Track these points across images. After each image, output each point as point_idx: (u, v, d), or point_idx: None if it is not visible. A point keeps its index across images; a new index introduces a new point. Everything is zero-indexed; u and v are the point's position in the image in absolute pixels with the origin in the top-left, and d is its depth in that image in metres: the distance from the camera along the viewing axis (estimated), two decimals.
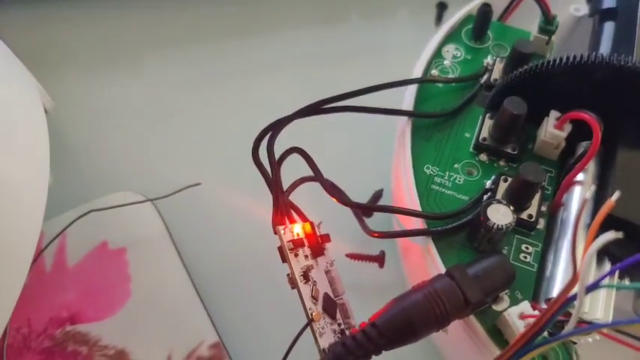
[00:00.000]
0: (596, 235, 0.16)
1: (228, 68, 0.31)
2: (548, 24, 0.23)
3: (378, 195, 0.25)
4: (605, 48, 0.23)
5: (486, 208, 0.18)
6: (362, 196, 0.26)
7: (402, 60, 0.25)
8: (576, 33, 0.27)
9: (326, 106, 0.20)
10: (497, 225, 0.17)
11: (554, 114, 0.20)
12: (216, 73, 0.31)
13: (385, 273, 0.23)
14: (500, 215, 0.17)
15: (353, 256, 0.24)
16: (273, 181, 0.20)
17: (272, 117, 0.20)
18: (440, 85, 0.23)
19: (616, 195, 0.13)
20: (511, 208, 0.18)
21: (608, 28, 0.24)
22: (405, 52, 0.26)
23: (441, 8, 0.31)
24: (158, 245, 0.23)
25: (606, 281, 0.15)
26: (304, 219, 0.21)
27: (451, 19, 0.24)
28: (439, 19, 0.31)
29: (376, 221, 0.23)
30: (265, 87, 0.30)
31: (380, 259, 0.24)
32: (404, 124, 0.21)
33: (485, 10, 0.22)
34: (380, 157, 0.25)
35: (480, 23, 0.23)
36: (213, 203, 0.24)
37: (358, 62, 0.31)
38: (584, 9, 0.26)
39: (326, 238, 0.20)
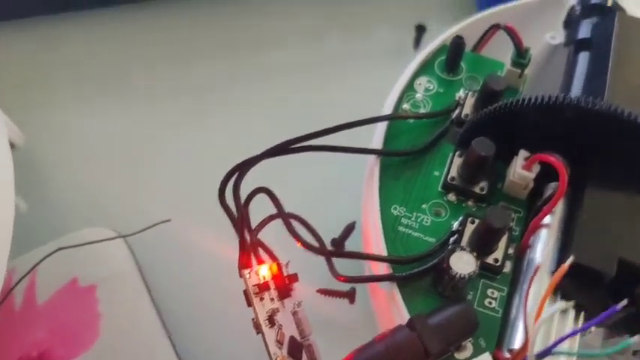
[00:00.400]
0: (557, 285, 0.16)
1: (202, 103, 0.31)
2: (520, 57, 0.22)
3: (350, 228, 0.25)
4: (577, 82, 0.23)
5: (449, 255, 0.17)
6: (336, 229, 0.26)
7: (381, 82, 0.25)
8: (552, 61, 0.26)
9: (294, 146, 0.20)
10: (460, 274, 0.17)
11: (522, 154, 0.20)
12: (190, 109, 0.31)
13: (356, 309, 0.23)
14: (463, 263, 0.17)
15: (324, 292, 0.23)
16: (239, 224, 0.20)
17: (246, 151, 0.20)
18: (411, 120, 0.22)
19: (570, 260, 0.13)
20: (475, 255, 0.17)
21: (583, 58, 0.24)
22: (384, 74, 0.26)
23: (420, 31, 0.30)
24: (129, 282, 0.23)
25: (565, 345, 0.15)
26: (273, 258, 0.21)
27: (424, 50, 0.24)
28: (417, 43, 0.30)
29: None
30: (239, 121, 0.30)
31: (351, 295, 0.23)
32: (372, 162, 0.21)
33: (457, 43, 0.22)
34: (354, 188, 0.25)
35: (453, 56, 0.23)
36: (183, 240, 0.24)
37: (335, 87, 0.31)
38: (560, 37, 0.26)
39: (294, 278, 0.20)
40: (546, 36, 0.26)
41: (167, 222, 0.23)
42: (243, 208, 0.21)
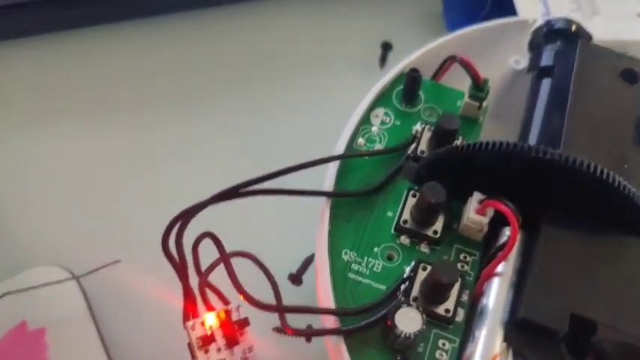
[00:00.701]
0: None
1: (158, 140, 0.30)
2: (478, 90, 0.21)
3: (308, 261, 0.24)
4: (538, 114, 0.22)
5: (394, 312, 0.17)
6: (294, 262, 0.25)
7: (343, 100, 0.25)
8: (516, 86, 0.26)
9: (242, 191, 0.20)
10: (405, 333, 0.16)
11: (476, 196, 0.19)
12: (145, 146, 0.30)
13: (312, 347, 0.23)
14: (408, 321, 0.17)
15: (279, 331, 0.23)
16: (181, 274, 0.19)
17: (203, 189, 0.19)
18: None
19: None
20: (422, 310, 0.17)
21: (545, 88, 0.23)
22: (348, 91, 0.25)
23: (386, 49, 0.29)
24: (79, 325, 0.23)
25: None
26: (225, 301, 0.20)
27: (382, 79, 0.23)
28: (383, 61, 0.29)
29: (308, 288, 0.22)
30: (195, 160, 0.29)
31: (307, 334, 0.23)
32: (323, 204, 0.20)
33: (412, 77, 0.21)
34: (311, 222, 0.25)
35: (409, 89, 0.22)
36: (136, 282, 0.23)
37: (295, 105, 0.30)
38: (524, 61, 0.25)
39: (244, 322, 0.20)
40: (510, 60, 0.25)
41: (118, 262, 0.23)
42: (192, 251, 0.20)
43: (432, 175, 0.20)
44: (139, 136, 0.30)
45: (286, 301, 0.22)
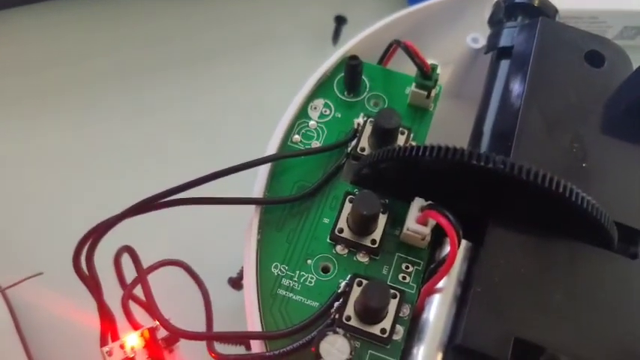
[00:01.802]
0: None
1: (82, 141, 0.28)
2: (425, 78, 0.19)
3: None
4: (494, 101, 0.20)
5: (319, 340, 0.15)
6: (233, 268, 0.23)
7: (292, 77, 0.22)
8: (475, 65, 0.23)
9: (159, 202, 0.18)
10: None
11: (417, 203, 0.17)
12: (70, 149, 0.27)
13: None
14: (335, 350, 0.15)
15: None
16: (95, 294, 0.18)
17: (132, 194, 0.18)
18: None
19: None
20: (348, 336, 0.15)
21: (503, 70, 0.21)
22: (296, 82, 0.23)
23: (339, 23, 0.27)
24: (3, 338, 0.21)
25: None
26: (156, 315, 0.19)
27: (323, 65, 0.21)
28: (336, 36, 0.27)
29: None
30: (122, 167, 0.27)
31: (247, 343, 0.22)
32: (253, 212, 0.18)
33: (352, 66, 0.19)
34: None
35: (350, 79, 0.20)
36: (57, 295, 0.22)
37: (242, 80, 0.28)
38: (482, 39, 0.23)
39: (172, 340, 0.18)
40: (468, 38, 0.23)
41: (40, 275, 0.21)
42: (114, 265, 0.19)
43: (371, 178, 0.18)
44: (63, 137, 0.27)
45: (227, 305, 0.21)
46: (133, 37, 0.29)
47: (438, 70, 0.19)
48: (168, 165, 0.26)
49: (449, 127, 0.23)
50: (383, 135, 0.18)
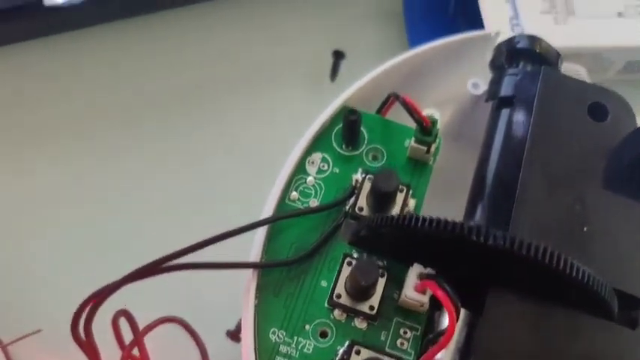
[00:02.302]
0: None
1: (77, 183, 0.27)
2: (425, 134, 0.19)
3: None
4: (494, 155, 0.20)
5: None
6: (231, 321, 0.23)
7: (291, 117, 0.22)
8: (476, 108, 0.23)
9: (159, 267, 0.17)
10: None
11: (415, 269, 0.17)
12: (66, 192, 0.27)
13: None
14: None
15: None
16: None
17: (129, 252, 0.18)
18: None
19: None
20: None
21: (503, 121, 0.20)
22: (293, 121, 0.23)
23: (337, 58, 0.26)
24: None
25: None
26: None
27: (320, 117, 0.20)
28: (334, 72, 0.26)
29: None
30: (125, 209, 0.27)
31: None
32: (249, 276, 0.18)
33: (350, 121, 0.19)
34: None
35: (348, 133, 0.19)
36: (58, 353, 0.21)
37: (239, 120, 0.27)
38: (483, 84, 0.22)
39: None
40: (468, 83, 0.22)
41: (39, 332, 0.21)
42: (112, 327, 0.19)
43: (369, 240, 0.18)
44: (65, 192, 0.27)
45: (227, 357, 0.21)
46: (111, 80, 0.28)
47: (438, 125, 0.19)
48: (167, 216, 0.25)
49: (449, 169, 0.23)
50: (381, 197, 0.18)
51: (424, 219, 0.16)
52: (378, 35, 0.28)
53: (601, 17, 0.26)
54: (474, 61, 0.23)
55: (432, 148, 0.19)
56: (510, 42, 0.21)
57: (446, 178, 0.23)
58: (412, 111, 0.18)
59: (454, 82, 0.24)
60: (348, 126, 0.19)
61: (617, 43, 0.25)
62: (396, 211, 0.19)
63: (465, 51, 0.23)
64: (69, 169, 0.27)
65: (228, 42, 0.28)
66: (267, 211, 0.19)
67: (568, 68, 0.25)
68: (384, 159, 0.20)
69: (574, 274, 0.15)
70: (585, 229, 0.17)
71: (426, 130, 0.19)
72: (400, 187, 0.19)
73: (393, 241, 0.18)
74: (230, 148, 0.26)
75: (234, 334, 0.22)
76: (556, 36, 0.25)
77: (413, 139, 0.19)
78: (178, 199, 0.26)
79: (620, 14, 0.26)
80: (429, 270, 0.17)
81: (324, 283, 0.18)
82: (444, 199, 0.25)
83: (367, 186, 0.19)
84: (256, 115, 0.27)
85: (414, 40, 0.27)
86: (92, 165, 0.27)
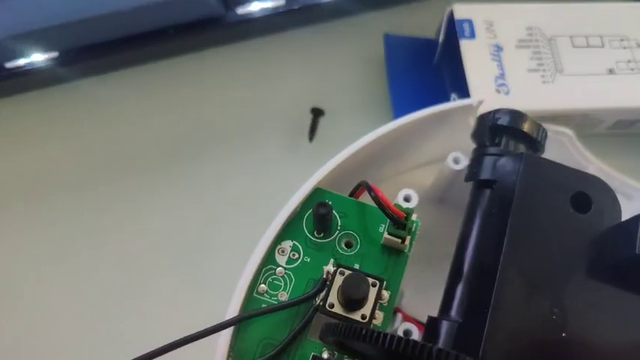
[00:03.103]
0: None
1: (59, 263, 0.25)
2: (399, 227, 0.18)
3: None
4: (472, 244, 0.19)
5: None
6: None
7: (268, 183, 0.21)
8: (456, 184, 0.22)
9: None
10: None
11: None
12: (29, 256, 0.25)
13: None
14: None
15: None
16: None
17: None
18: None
19: None
20: None
21: (483, 205, 0.19)
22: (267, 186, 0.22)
23: (316, 115, 0.25)
24: None
25: None
26: None
27: (290, 202, 0.19)
28: (313, 130, 0.25)
29: None
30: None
31: None
32: None
33: (320, 215, 0.18)
34: None
35: (320, 224, 0.18)
36: None
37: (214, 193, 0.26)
38: (464, 159, 0.21)
39: None
40: (449, 158, 0.21)
41: None
42: None
43: (339, 345, 0.17)
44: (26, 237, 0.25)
45: None
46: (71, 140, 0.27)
47: (414, 217, 0.18)
48: (131, 314, 0.24)
49: (432, 231, 0.22)
50: (351, 301, 0.17)
51: (392, 338, 0.15)
52: (359, 89, 0.27)
53: (591, 75, 0.25)
54: (457, 128, 0.22)
55: (407, 241, 0.18)
56: (492, 117, 0.20)
57: (428, 241, 0.23)
58: (383, 206, 0.17)
59: (436, 146, 0.23)
60: (318, 218, 0.18)
61: (607, 105, 0.24)
62: (368, 307, 0.18)
63: (448, 120, 0.22)
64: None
65: (202, 98, 0.27)
66: (234, 306, 0.18)
67: (555, 131, 0.24)
68: (358, 246, 0.19)
69: None
70: (563, 334, 0.17)
71: (400, 224, 0.18)
72: (372, 282, 0.18)
73: (361, 348, 0.17)
74: (201, 208, 0.25)
75: None
76: (543, 97, 0.24)
77: (386, 232, 0.18)
78: (143, 281, 0.25)
79: (611, 71, 0.25)
80: None
81: None
82: (425, 264, 0.24)
83: (339, 279, 0.18)
84: (228, 177, 0.25)
85: (396, 92, 0.26)
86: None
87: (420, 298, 0.24)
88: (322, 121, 0.25)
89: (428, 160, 0.24)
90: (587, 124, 0.25)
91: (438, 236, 0.22)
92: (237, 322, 0.17)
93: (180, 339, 0.17)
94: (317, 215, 0.18)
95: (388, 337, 0.15)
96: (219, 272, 0.21)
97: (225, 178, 0.25)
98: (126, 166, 0.26)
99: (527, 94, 0.24)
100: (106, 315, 0.24)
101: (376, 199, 0.17)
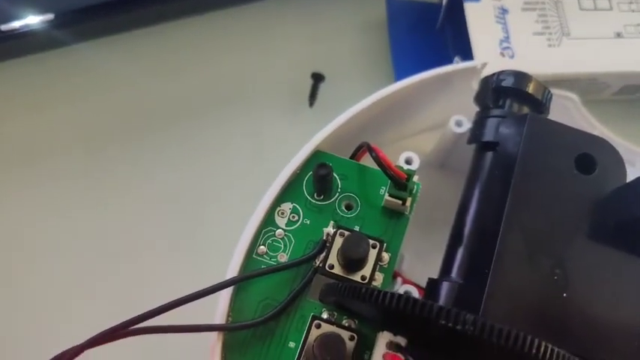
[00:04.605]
0: None
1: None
2: (400, 188, 0.18)
3: None
4: (474, 206, 0.18)
5: None
6: None
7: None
8: (458, 149, 0.22)
9: (121, 332, 0.17)
10: None
11: (385, 337, 0.16)
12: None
13: None
14: None
15: None
16: None
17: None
18: None
19: None
20: None
21: (485, 167, 0.19)
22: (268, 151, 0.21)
23: (317, 80, 0.25)
24: None
25: None
26: None
27: (290, 164, 0.19)
28: (313, 96, 0.25)
29: None
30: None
31: None
32: (214, 339, 0.17)
33: (321, 175, 0.17)
34: None
35: (320, 186, 0.18)
36: None
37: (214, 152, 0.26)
38: (467, 122, 0.21)
39: None
40: (451, 121, 0.21)
41: None
42: None
43: (339, 304, 0.17)
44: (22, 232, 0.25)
45: None
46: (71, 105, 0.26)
47: (415, 178, 0.18)
48: (133, 276, 0.24)
49: (434, 195, 0.22)
50: (350, 261, 0.17)
51: (392, 296, 0.15)
52: (361, 54, 0.26)
53: (598, 38, 0.24)
54: (460, 92, 0.22)
55: (408, 202, 0.18)
56: (496, 78, 0.20)
57: (429, 206, 0.22)
58: (385, 167, 0.17)
59: (439, 110, 0.23)
60: (318, 180, 0.18)
61: (614, 69, 0.23)
62: (368, 268, 0.18)
63: (450, 83, 0.22)
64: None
65: (202, 62, 0.26)
66: (234, 267, 0.18)
67: (560, 96, 0.24)
68: (359, 208, 0.19)
69: (547, 356, 0.14)
70: (565, 295, 0.17)
71: (401, 184, 0.18)
72: (373, 243, 0.18)
73: (361, 308, 0.17)
74: (201, 182, 0.25)
75: None
76: (549, 61, 0.24)
77: (387, 193, 0.18)
78: (145, 255, 0.25)
79: (618, 35, 0.24)
80: (398, 339, 0.16)
81: (292, 344, 0.17)
82: (426, 229, 0.24)
83: (339, 241, 0.18)
84: (229, 143, 0.25)
85: (399, 59, 0.26)
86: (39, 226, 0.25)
87: (420, 264, 0.24)
88: (323, 87, 0.25)
89: (430, 125, 0.24)
90: (592, 90, 0.25)
91: (439, 202, 0.22)
92: (237, 282, 0.17)
93: (181, 298, 0.17)
94: (317, 176, 0.18)
95: (389, 295, 0.15)
96: (218, 235, 0.21)
97: (226, 142, 0.25)
98: (126, 130, 0.26)
99: (533, 58, 0.23)
100: (105, 275, 0.24)
101: (377, 159, 0.17)
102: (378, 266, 0.18)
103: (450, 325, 0.14)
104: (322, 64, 0.25)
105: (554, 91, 0.23)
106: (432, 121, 0.24)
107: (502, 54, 0.23)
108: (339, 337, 0.16)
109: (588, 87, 0.24)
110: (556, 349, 0.14)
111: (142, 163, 0.25)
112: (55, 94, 0.27)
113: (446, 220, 0.21)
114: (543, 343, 0.14)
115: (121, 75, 0.27)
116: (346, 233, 0.18)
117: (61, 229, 0.25)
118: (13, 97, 0.27)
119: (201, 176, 0.25)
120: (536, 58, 0.23)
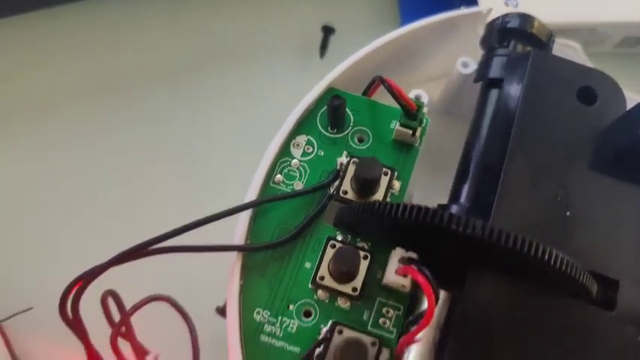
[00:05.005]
0: None
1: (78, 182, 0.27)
2: (410, 119, 0.19)
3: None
4: (481, 138, 0.19)
5: None
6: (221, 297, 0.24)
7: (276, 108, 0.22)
8: (466, 88, 0.23)
9: (144, 250, 0.18)
10: None
11: (398, 253, 0.17)
12: (59, 187, 0.27)
13: None
14: None
15: None
16: (84, 341, 0.18)
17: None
18: None
19: None
20: None
21: (492, 102, 0.20)
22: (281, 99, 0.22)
23: (327, 33, 0.26)
24: None
25: None
26: (143, 351, 0.19)
27: (305, 99, 0.20)
28: (323, 48, 0.26)
29: None
30: (108, 206, 0.26)
31: None
32: (234, 259, 0.18)
33: (334, 106, 0.18)
34: None
35: (333, 117, 0.19)
36: (50, 329, 0.22)
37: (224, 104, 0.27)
38: (473, 63, 0.22)
39: None
40: (458, 62, 0.22)
41: (30, 310, 0.21)
42: (102, 306, 0.19)
43: (353, 225, 0.18)
44: (53, 175, 0.26)
45: (218, 334, 0.21)
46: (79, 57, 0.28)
47: (425, 109, 0.19)
48: (155, 199, 0.25)
49: (438, 144, 0.23)
50: (364, 183, 0.18)
51: (405, 207, 0.16)
52: (369, 7, 0.27)
53: None
54: (465, 38, 0.23)
55: (418, 132, 0.19)
56: (501, 20, 0.21)
57: (435, 153, 0.23)
58: (397, 96, 0.18)
59: (445, 58, 0.24)
60: (332, 111, 0.19)
61: (615, 19, 0.24)
62: (380, 194, 0.19)
63: (456, 28, 0.23)
64: (60, 147, 0.27)
65: (213, 16, 0.27)
66: (252, 193, 0.19)
67: (562, 44, 0.25)
68: (370, 141, 0.20)
69: (552, 262, 0.15)
70: (568, 213, 0.18)
71: (411, 114, 0.18)
72: (385, 170, 0.19)
73: (375, 226, 0.18)
74: (215, 128, 0.26)
75: (224, 311, 0.23)
76: (552, 11, 0.24)
77: (398, 123, 0.19)
78: (165, 182, 0.26)
79: None
80: (410, 254, 0.17)
81: (308, 265, 0.18)
82: (432, 174, 0.25)
83: (352, 169, 0.19)
84: (242, 94, 0.26)
85: (406, 11, 0.27)
86: (78, 149, 0.27)
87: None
88: (333, 40, 0.26)
89: (436, 73, 0.25)
90: (593, 41, 0.26)
91: (445, 147, 0.23)
92: (256, 205, 0.18)
93: (202, 218, 0.18)
94: (331, 107, 0.19)
95: (402, 206, 0.16)
96: (238, 165, 0.22)
97: (239, 93, 0.26)
98: (160, 76, 0.27)
99: (536, 7, 0.24)
100: (127, 199, 0.26)
101: (390, 88, 0.18)
102: (390, 193, 0.19)
103: (460, 230, 0.15)
104: (332, 18, 0.26)
105: (556, 39, 0.24)
106: (438, 69, 0.24)
107: (506, 4, 0.24)
108: (354, 250, 0.17)
109: (589, 38, 0.25)
110: (560, 255, 0.15)
111: (175, 102, 0.27)
112: (64, 47, 0.28)
113: (452, 167, 0.22)
114: (549, 249, 0.15)
115: (132, 30, 0.28)
116: (357, 162, 0.19)
117: (85, 155, 0.27)
118: (18, 54, 0.28)
119: (225, 117, 0.26)
120: (539, 6, 0.24)
